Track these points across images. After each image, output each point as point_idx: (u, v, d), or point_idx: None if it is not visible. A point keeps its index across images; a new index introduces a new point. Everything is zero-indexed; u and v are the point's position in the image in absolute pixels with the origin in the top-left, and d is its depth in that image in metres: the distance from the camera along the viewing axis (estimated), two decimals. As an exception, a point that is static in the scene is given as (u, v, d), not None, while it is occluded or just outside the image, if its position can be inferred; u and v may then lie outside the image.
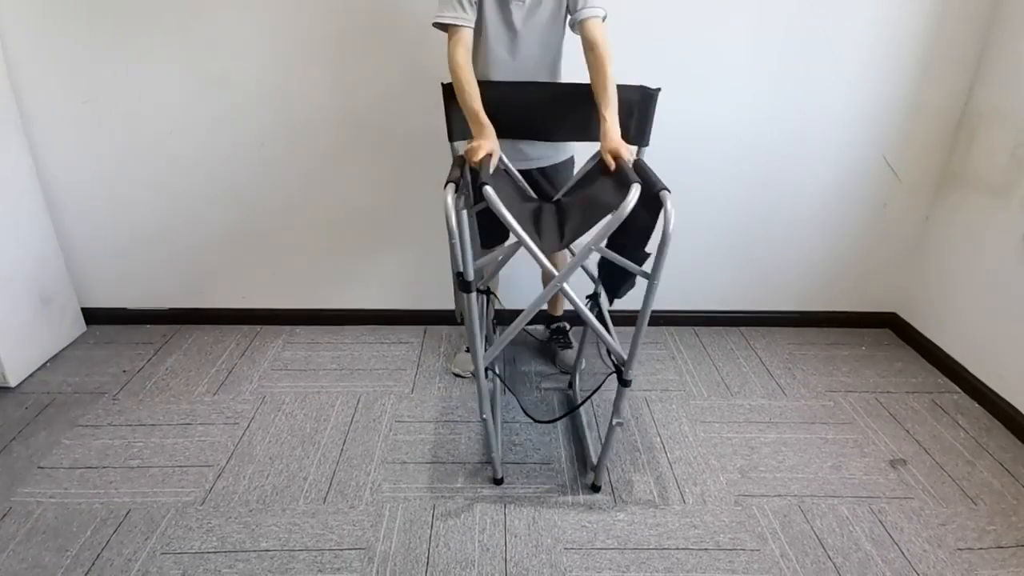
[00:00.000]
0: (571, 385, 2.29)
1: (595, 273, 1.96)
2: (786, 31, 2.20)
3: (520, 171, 1.95)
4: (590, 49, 1.71)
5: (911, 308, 2.63)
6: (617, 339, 1.68)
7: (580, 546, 1.65)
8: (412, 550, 1.63)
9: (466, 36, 1.72)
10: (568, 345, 2.40)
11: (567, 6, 1.77)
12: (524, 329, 1.66)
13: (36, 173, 2.30)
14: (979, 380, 2.25)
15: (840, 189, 2.46)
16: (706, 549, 1.65)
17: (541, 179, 1.99)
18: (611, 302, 1.84)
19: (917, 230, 2.54)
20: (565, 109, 1.82)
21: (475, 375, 1.66)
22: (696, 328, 2.68)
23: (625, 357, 1.63)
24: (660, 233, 1.45)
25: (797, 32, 2.20)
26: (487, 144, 1.61)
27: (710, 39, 2.20)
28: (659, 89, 1.73)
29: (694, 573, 1.58)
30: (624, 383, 1.66)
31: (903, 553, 1.64)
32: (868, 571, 1.59)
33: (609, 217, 1.45)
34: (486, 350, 1.66)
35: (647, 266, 1.55)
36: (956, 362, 2.35)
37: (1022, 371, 2.09)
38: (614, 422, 1.71)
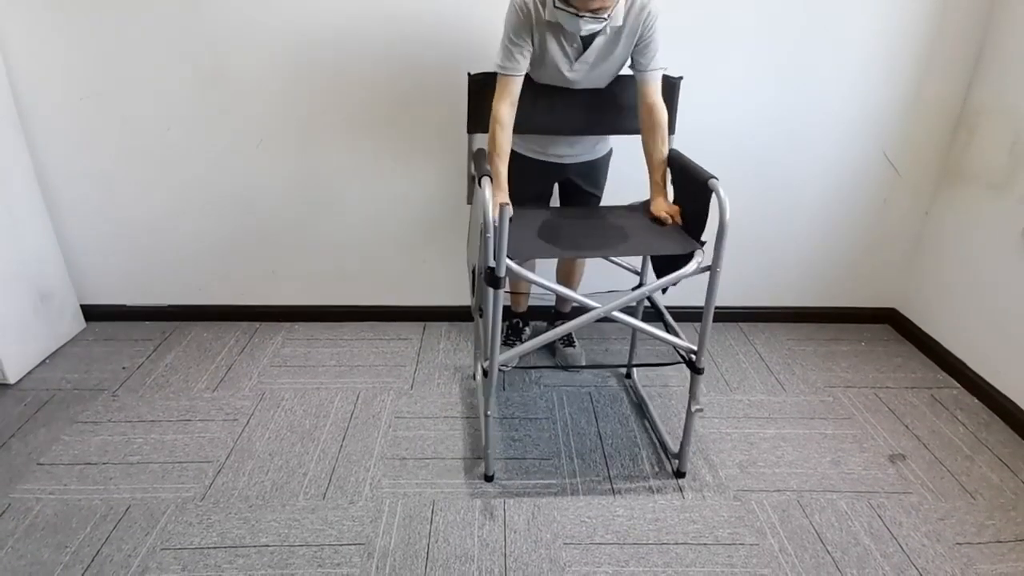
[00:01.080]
0: (629, 375, 2.31)
1: (638, 268, 2.02)
2: (786, 29, 2.19)
3: (558, 164, 1.98)
4: (648, 111, 1.77)
5: (911, 304, 2.63)
6: (680, 330, 1.79)
7: (579, 541, 1.65)
8: (411, 545, 1.63)
9: (515, 86, 1.74)
10: (571, 343, 2.40)
11: (632, 56, 1.77)
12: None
13: (34, 170, 2.30)
14: (978, 375, 2.25)
15: (840, 185, 2.45)
16: (705, 544, 1.65)
17: (577, 175, 2.01)
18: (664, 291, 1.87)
19: (917, 226, 2.54)
20: (608, 104, 1.85)
21: (487, 372, 1.66)
22: (695, 324, 2.66)
23: (695, 348, 1.71)
24: (718, 222, 1.50)
25: (797, 29, 2.20)
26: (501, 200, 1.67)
27: (710, 36, 2.20)
28: (681, 77, 1.78)
29: (693, 567, 1.58)
30: (697, 371, 1.73)
31: (902, 547, 1.64)
32: (867, 565, 1.59)
33: (667, 275, 1.58)
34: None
35: (706, 259, 1.59)
36: (955, 357, 2.35)
37: (1021, 366, 2.09)
38: (693, 409, 1.76)
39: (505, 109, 1.73)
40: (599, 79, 1.82)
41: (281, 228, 2.48)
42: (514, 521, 1.71)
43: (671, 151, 1.82)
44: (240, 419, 2.07)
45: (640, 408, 2.16)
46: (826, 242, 2.56)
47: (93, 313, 2.59)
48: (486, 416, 1.72)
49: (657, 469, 1.90)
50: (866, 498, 1.80)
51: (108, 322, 2.60)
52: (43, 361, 2.35)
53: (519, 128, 1.80)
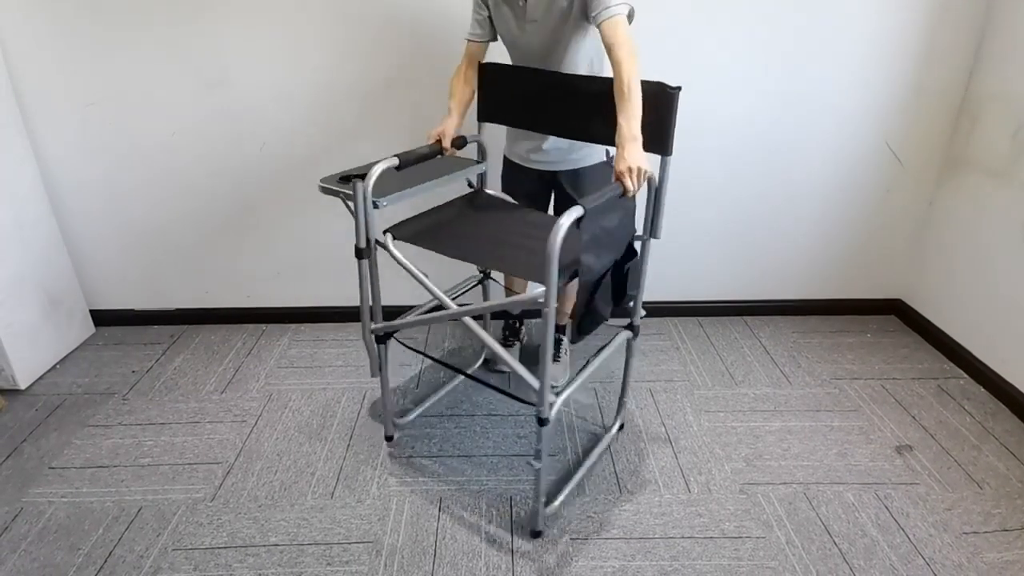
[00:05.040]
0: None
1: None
2: (787, 18, 2.19)
3: (538, 172, 1.95)
4: (607, 52, 1.58)
5: (916, 294, 2.62)
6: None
7: (586, 536, 1.66)
8: (419, 542, 1.64)
9: (472, 49, 1.83)
10: (514, 341, 2.40)
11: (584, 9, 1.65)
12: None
13: (40, 176, 2.32)
14: (984, 365, 2.24)
15: (843, 175, 2.45)
16: (711, 537, 1.65)
17: (564, 184, 1.94)
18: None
19: (921, 215, 2.53)
20: (583, 105, 1.68)
21: (365, 341, 1.77)
22: (700, 318, 2.68)
23: (537, 387, 1.46)
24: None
25: (798, 19, 2.19)
26: (439, 129, 1.77)
27: (711, 26, 2.20)
28: (679, 88, 1.54)
29: (700, 561, 1.59)
30: (542, 423, 1.48)
31: (909, 538, 1.64)
32: (874, 556, 1.59)
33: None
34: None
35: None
36: (961, 347, 2.35)
37: (1028, 355, 2.08)
38: (533, 464, 1.61)
39: (461, 63, 1.83)
40: (553, 40, 1.71)
41: (285, 230, 2.49)
42: (521, 517, 1.72)
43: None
44: (248, 420, 2.09)
45: (643, 403, 2.16)
46: (830, 233, 2.55)
47: (102, 318, 2.61)
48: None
49: (664, 463, 1.90)
50: (873, 489, 1.80)
51: (117, 327, 2.62)
52: (53, 366, 2.38)
53: (499, 119, 1.88)
